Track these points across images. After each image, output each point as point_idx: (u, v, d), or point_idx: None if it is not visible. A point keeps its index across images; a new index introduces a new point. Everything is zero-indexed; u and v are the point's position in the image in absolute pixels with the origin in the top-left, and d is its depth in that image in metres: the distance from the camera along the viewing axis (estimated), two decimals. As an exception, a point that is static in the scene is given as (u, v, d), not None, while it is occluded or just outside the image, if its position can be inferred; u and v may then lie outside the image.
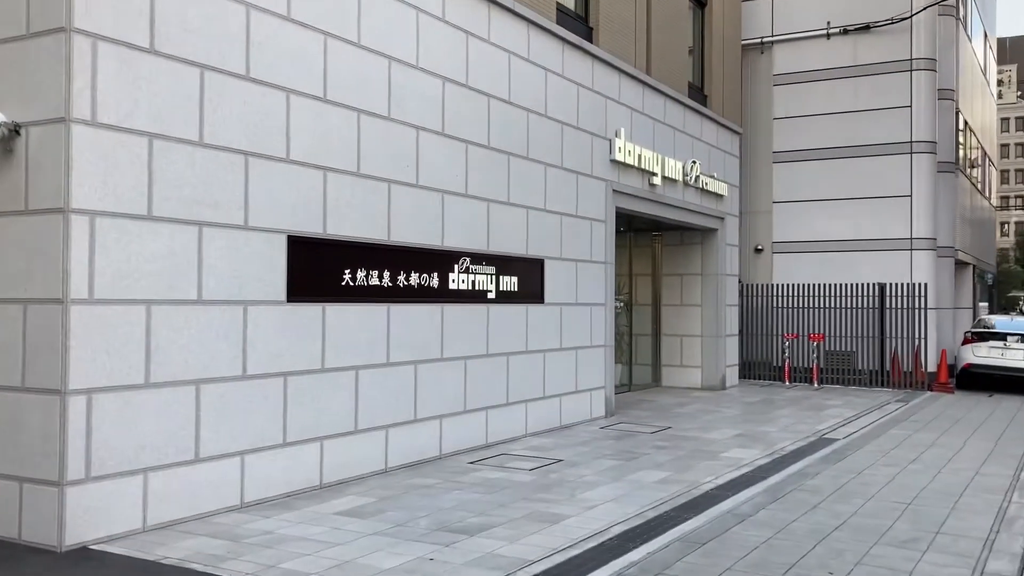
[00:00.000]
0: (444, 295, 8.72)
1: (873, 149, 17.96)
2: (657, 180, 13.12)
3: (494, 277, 9.50)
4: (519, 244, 9.98)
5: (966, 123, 22.85)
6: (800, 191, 18.61)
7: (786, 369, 17.45)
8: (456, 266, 8.90)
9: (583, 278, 11.35)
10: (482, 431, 9.32)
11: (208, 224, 6.31)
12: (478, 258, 9.24)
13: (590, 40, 11.66)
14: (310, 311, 7.16)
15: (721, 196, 15.78)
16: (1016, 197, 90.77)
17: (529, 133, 10.15)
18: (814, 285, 17.62)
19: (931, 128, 17.79)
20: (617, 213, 12.37)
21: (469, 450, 9.05)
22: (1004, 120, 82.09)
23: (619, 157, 12.04)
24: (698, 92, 15.47)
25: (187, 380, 6.14)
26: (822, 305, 17.58)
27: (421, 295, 8.40)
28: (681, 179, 14.04)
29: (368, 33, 7.75)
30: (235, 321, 6.51)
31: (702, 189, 14.85)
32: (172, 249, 6.05)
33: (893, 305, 17.06)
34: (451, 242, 8.83)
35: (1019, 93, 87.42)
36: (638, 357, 16.29)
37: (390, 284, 8.01)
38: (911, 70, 17.66)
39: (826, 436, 10.66)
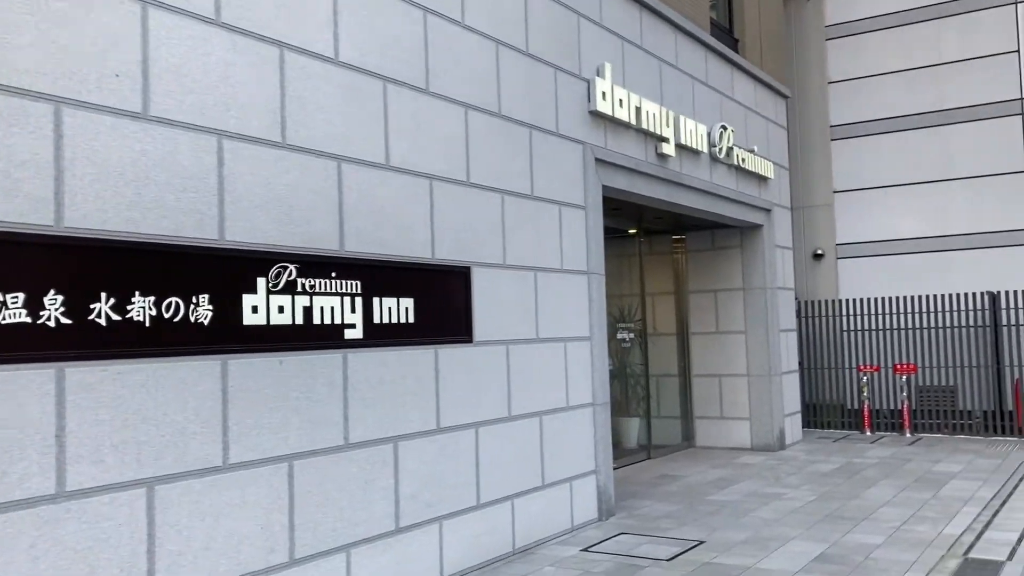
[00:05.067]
0: (231, 337, 4.41)
1: (967, 113, 13.39)
2: (669, 148, 8.76)
3: (359, 299, 5.18)
4: (416, 239, 5.65)
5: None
6: (869, 176, 14.06)
7: (865, 414, 12.83)
8: (263, 280, 4.60)
9: (548, 297, 6.98)
10: (339, 592, 4.94)
11: None
12: (321, 264, 4.93)
13: (546, -80, 7.40)
14: None
15: (766, 179, 11.34)
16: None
17: (428, 49, 5.87)
18: (897, 299, 12.98)
19: (1047, 79, 13.20)
20: (607, 197, 8.02)
21: (306, 635, 4.67)
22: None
23: (604, 108, 7.70)
24: (726, 34, 11.11)
25: None
26: (909, 325, 12.93)
27: (164, 342, 4.09)
28: (707, 150, 9.65)
29: None
30: None
31: (738, 167, 10.44)
32: None
33: (1011, 321, 12.36)
34: (244, 233, 4.53)
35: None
36: (661, 408, 11.78)
37: (66, 320, 3.73)
38: (1016, 1, 13.09)
39: (975, 555, 6.10)
